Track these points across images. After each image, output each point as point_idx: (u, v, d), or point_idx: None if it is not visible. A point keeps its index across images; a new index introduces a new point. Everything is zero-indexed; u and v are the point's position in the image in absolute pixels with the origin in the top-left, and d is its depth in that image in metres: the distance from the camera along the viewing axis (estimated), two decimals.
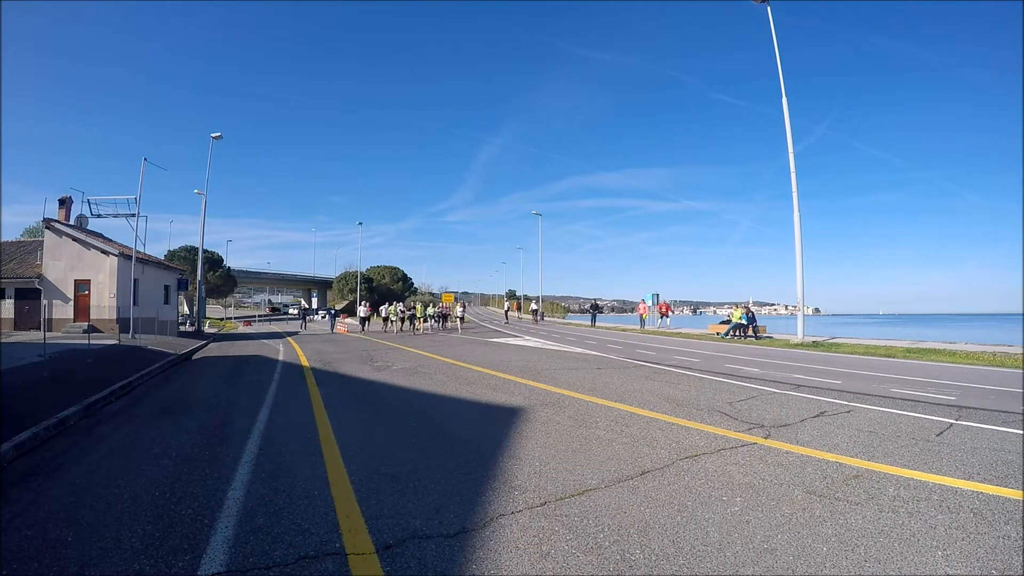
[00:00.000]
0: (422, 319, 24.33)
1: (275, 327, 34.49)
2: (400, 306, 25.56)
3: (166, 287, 26.57)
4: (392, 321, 24.48)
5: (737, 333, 19.08)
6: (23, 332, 19.39)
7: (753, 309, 20.48)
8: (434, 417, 5.56)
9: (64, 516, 2.93)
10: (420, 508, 2.94)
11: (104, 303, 20.87)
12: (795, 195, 17.38)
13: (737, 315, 19.67)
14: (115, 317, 20.19)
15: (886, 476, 3.47)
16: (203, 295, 35.09)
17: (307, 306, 69.10)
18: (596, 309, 33.42)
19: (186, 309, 43.91)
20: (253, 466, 3.79)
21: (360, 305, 28.11)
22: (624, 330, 25.28)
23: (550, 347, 15.14)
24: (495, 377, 8.43)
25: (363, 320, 27.33)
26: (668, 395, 6.66)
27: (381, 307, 27.41)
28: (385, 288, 70.19)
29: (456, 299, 26.49)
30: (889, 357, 11.63)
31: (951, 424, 4.98)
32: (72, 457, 4.19)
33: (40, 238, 23.01)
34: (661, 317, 27.33)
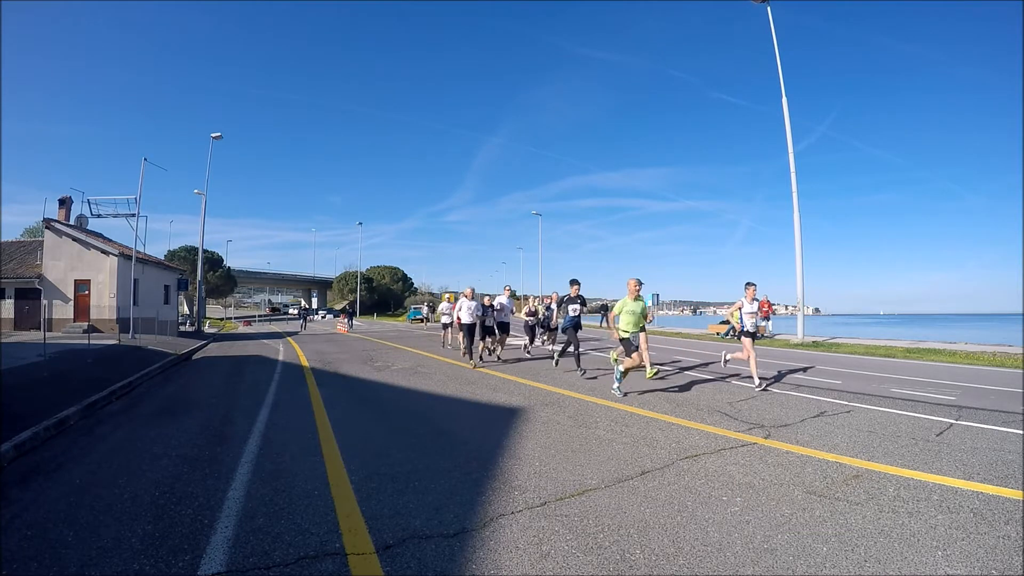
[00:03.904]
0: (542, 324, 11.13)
1: (275, 327, 34.45)
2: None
3: (166, 287, 26.58)
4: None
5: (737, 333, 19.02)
6: (23, 332, 19.40)
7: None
8: (434, 417, 5.56)
9: (64, 516, 2.93)
10: (420, 508, 2.94)
11: (104, 303, 20.88)
12: (795, 195, 17.43)
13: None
14: (115, 317, 20.20)
15: (886, 476, 3.47)
16: (203, 295, 35.11)
17: (307, 306, 69.09)
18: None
19: (186, 309, 43.95)
20: (253, 466, 3.79)
21: (445, 300, 14.01)
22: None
23: (550, 347, 15.12)
24: (495, 377, 8.43)
25: (451, 329, 14.01)
26: (668, 395, 6.66)
27: (462, 299, 11.37)
28: (385, 288, 70.22)
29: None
30: (889, 357, 11.64)
31: (951, 424, 4.98)
32: (72, 457, 4.19)
33: (40, 238, 23.02)
34: (764, 319, 18.33)
